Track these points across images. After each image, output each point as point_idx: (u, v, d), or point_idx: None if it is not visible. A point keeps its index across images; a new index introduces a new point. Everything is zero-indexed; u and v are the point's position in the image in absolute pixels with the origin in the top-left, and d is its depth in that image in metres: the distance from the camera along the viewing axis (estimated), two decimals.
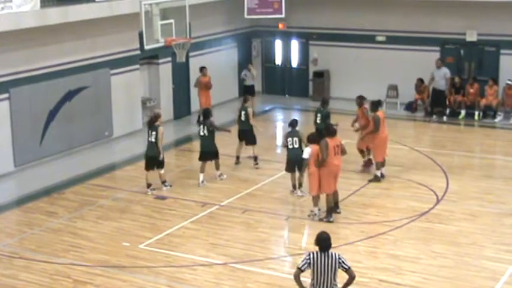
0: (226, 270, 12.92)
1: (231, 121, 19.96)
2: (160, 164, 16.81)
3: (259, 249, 13.75)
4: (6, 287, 12.47)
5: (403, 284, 12.30)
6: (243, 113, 18.46)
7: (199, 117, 22.49)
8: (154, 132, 16.58)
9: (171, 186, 17.04)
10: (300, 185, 16.48)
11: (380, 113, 17.38)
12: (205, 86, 22.21)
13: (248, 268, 12.94)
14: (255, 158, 18.59)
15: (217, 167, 17.52)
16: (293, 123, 16.70)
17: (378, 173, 17.38)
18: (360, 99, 18.32)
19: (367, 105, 18.03)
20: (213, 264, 13.18)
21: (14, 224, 15.52)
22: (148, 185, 16.85)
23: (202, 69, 22.42)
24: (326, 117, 18.32)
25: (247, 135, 18.48)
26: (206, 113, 17.65)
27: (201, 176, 17.27)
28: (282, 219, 15.32)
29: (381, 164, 17.42)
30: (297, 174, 16.47)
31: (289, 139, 16.32)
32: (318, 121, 18.25)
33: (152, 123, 16.70)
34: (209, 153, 17.28)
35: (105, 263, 13.26)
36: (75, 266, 13.15)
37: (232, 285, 12.38)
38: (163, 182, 16.96)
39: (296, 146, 16.24)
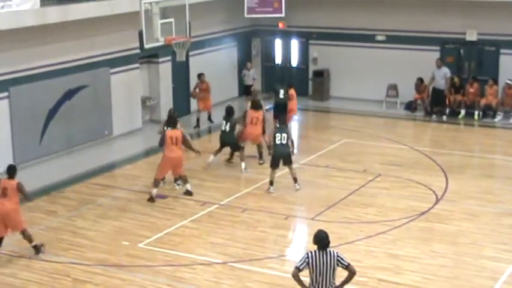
0: (226, 270, 12.92)
1: None
2: None
3: (259, 249, 13.75)
4: (6, 285, 12.47)
5: (402, 283, 12.30)
6: None
7: (197, 120, 22.42)
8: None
9: (183, 186, 17.01)
10: (295, 179, 16.64)
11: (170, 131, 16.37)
12: (204, 91, 22.12)
13: (247, 267, 12.94)
14: (260, 155, 18.88)
15: (242, 159, 18.18)
16: (284, 121, 17.14)
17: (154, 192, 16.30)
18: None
19: None
20: (212, 263, 13.19)
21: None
22: (162, 178, 16.90)
23: (200, 75, 22.30)
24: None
25: None
26: (230, 111, 18.32)
27: (243, 164, 18.10)
28: (281, 218, 15.31)
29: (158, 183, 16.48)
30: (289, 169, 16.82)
31: (278, 135, 16.51)
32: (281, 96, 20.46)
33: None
34: (230, 144, 18.25)
35: (105, 262, 13.26)
36: (74, 265, 13.15)
37: (231, 284, 12.38)
38: (176, 180, 16.96)
39: (284, 142, 16.49)
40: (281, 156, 16.58)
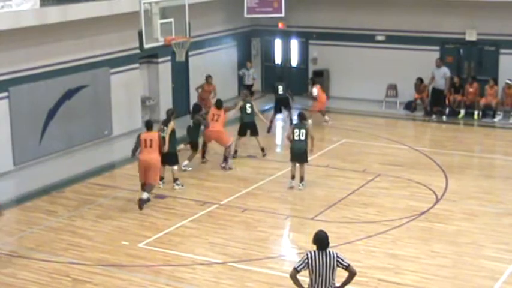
0: (226, 270, 12.92)
1: (232, 119, 20.00)
2: (172, 161, 16.81)
3: (259, 249, 13.74)
4: (5, 285, 12.46)
5: (402, 283, 12.29)
6: (247, 105, 19.24)
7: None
8: (166, 128, 16.77)
9: (183, 186, 17.00)
10: (302, 178, 16.74)
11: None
12: (208, 93, 22.09)
13: (247, 267, 12.94)
14: (263, 149, 19.26)
15: (191, 157, 18.45)
16: (302, 116, 17.08)
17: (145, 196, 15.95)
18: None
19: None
20: (212, 263, 13.18)
21: (13, 222, 15.50)
22: (161, 178, 16.90)
23: (208, 78, 22.29)
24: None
25: (251, 127, 19.30)
26: (196, 109, 18.71)
27: (186, 162, 18.33)
28: (281, 218, 15.31)
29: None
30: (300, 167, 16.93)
31: (296, 131, 16.66)
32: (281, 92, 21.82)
33: (168, 120, 16.87)
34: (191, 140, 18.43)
35: (105, 262, 13.25)
36: (74, 265, 13.15)
37: (231, 284, 12.37)
38: (175, 180, 16.95)
39: (302, 138, 16.62)
40: (299, 153, 16.70)
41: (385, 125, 22.99)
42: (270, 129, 21.47)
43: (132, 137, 21.02)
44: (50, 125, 19.19)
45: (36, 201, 16.41)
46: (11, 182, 17.87)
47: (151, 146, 15.75)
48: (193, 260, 13.29)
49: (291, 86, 26.40)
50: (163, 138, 16.51)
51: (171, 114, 17.06)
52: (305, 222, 15.17)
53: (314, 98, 22.53)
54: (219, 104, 18.68)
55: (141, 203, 15.65)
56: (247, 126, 19.25)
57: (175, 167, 16.98)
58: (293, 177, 16.80)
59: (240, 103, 19.39)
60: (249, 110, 19.18)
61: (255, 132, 19.36)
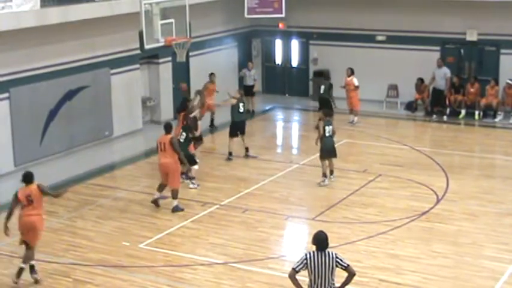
0: (226, 270, 12.92)
1: (224, 121, 20.01)
2: (190, 162, 16.67)
3: (259, 249, 13.75)
4: (6, 286, 12.47)
5: (403, 283, 12.30)
6: (241, 104, 19.08)
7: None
8: (184, 133, 16.72)
9: (198, 185, 17.03)
10: (332, 172, 17.14)
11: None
12: (212, 93, 22.09)
13: (248, 268, 12.94)
14: (247, 149, 19.21)
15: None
16: (327, 113, 17.67)
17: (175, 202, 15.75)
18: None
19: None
20: (213, 263, 13.19)
21: (14, 223, 15.48)
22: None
23: (210, 75, 22.26)
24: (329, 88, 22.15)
25: (242, 126, 19.16)
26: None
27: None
28: (282, 219, 15.32)
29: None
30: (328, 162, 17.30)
31: (326, 128, 17.02)
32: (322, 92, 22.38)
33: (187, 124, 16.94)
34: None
35: (105, 263, 13.26)
36: (75, 266, 13.15)
37: (232, 284, 12.37)
38: (192, 179, 16.99)
39: (332, 134, 17.10)
40: (329, 148, 17.04)
41: (385, 125, 22.99)
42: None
43: (133, 137, 21.24)
44: (51, 125, 19.20)
45: None
46: (11, 183, 17.82)
47: (164, 150, 15.61)
48: (194, 261, 13.30)
49: (291, 86, 26.55)
50: (179, 141, 16.46)
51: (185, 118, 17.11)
52: (306, 222, 15.19)
53: (357, 88, 22.69)
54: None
55: (156, 203, 15.82)
56: (239, 125, 18.97)
57: (196, 167, 17.00)
58: (325, 175, 17.05)
59: (234, 100, 19.14)
60: (241, 109, 18.98)
61: (243, 132, 19.11)
